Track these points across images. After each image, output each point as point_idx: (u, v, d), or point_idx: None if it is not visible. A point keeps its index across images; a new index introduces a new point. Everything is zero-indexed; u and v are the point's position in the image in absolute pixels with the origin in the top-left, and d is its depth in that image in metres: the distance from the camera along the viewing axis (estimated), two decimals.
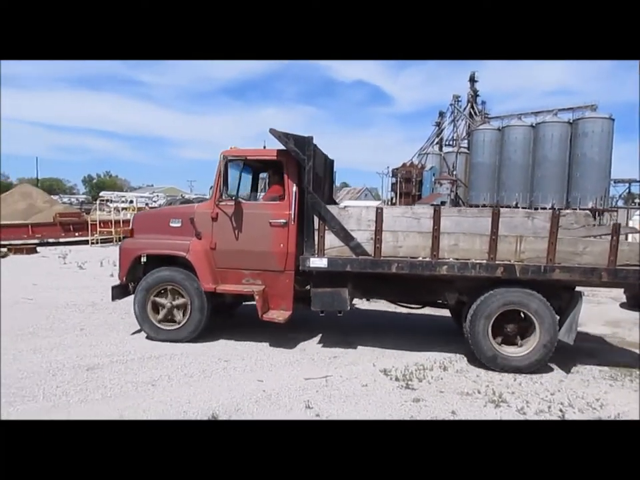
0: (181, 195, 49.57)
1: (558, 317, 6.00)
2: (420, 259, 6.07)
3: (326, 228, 6.22)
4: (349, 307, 6.50)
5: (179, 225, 6.75)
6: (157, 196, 48.90)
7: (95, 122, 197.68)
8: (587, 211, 6.46)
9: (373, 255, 6.12)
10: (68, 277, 11.60)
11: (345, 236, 6.19)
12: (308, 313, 6.49)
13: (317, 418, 4.28)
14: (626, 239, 6.42)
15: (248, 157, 6.75)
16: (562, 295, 6.16)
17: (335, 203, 7.64)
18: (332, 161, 7.97)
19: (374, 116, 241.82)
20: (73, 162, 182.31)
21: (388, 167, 52.14)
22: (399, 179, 48.07)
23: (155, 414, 4.30)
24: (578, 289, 6.24)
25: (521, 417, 4.43)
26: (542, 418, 4.41)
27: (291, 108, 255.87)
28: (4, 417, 3.99)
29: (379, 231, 6.10)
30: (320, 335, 6.96)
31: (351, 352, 6.36)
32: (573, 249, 5.83)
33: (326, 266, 6.19)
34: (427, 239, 6.04)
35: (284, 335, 6.86)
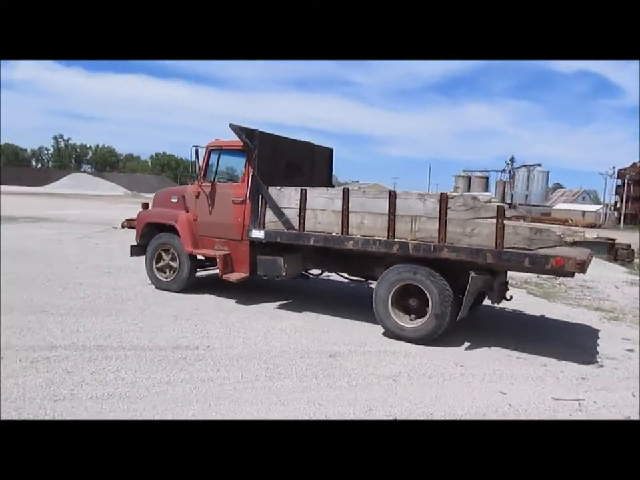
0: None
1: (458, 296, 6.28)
2: (333, 234, 6.87)
3: (266, 205, 7.38)
4: (283, 273, 7.46)
5: (176, 200, 8.58)
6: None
7: (307, 121, 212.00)
8: (475, 194, 6.66)
9: (297, 229, 7.12)
10: None
11: (278, 212, 7.32)
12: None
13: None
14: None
15: (224, 147, 8.18)
16: (462, 276, 6.29)
17: (332, 187, 8.50)
18: (330, 150, 9.51)
19: (597, 109, 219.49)
20: None
21: (614, 167, 46.43)
22: (626, 181, 42.44)
23: (401, 411, 4.33)
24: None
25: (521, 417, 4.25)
26: (542, 418, 4.26)
27: (499, 103, 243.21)
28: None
29: (302, 209, 7.08)
30: (564, 350, 6.38)
31: (602, 375, 5.70)
32: (462, 230, 6.11)
33: (263, 237, 7.41)
34: (339, 216, 6.82)
35: (522, 346, 6.44)
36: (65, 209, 29.26)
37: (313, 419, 4.11)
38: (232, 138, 7.75)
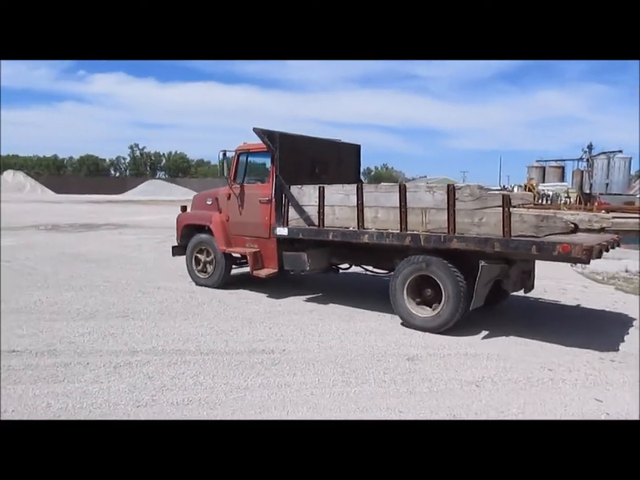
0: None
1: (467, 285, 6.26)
2: (350, 228, 7.12)
3: (289, 204, 7.72)
4: (308, 268, 7.75)
5: (210, 202, 9.11)
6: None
7: (374, 118, 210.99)
8: (481, 184, 6.71)
9: (317, 225, 7.42)
10: None
11: (299, 210, 7.65)
12: None
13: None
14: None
15: (251, 150, 8.57)
16: (472, 266, 6.24)
17: (360, 182, 8.45)
18: (357, 147, 9.69)
19: None
20: None
21: None
22: None
23: (487, 418, 4.10)
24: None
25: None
26: (541, 418, 4.08)
27: (574, 88, 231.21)
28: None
29: (321, 205, 7.37)
30: None
31: None
32: (470, 220, 6.18)
33: (287, 234, 7.78)
34: (354, 211, 7.06)
35: (616, 348, 5.99)
36: (142, 215, 30.49)
37: (314, 419, 3.99)
38: (259, 141, 8.02)
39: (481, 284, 6.17)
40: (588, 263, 6.16)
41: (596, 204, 31.83)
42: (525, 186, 39.93)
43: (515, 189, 38.90)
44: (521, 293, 7.39)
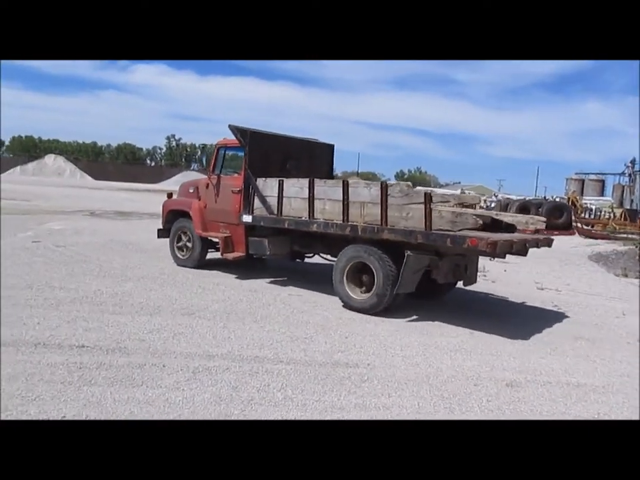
0: (494, 195, 47.41)
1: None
2: (303, 218, 7.88)
3: (255, 194, 8.57)
4: (268, 252, 8.56)
5: (192, 190, 9.99)
6: (469, 193, 47.96)
7: (409, 120, 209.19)
8: (409, 182, 7.53)
9: (276, 214, 8.23)
10: None
11: (263, 200, 8.49)
12: None
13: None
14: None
15: (228, 145, 9.41)
16: (402, 255, 6.76)
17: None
18: (331, 146, 10.44)
19: None
20: (388, 157, 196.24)
21: None
22: None
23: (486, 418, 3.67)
24: None
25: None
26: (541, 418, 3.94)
27: (617, 100, 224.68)
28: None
29: (280, 197, 8.16)
30: None
31: None
32: (399, 214, 6.90)
33: (251, 221, 8.62)
34: (306, 203, 7.81)
35: None
36: None
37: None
38: None
39: (408, 272, 6.79)
40: (494, 255, 7.14)
41: None
42: (569, 199, 38.81)
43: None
44: None
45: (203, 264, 9.69)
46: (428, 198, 6.66)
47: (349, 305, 7.36)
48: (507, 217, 7.56)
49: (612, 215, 36.01)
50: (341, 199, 7.41)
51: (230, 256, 9.15)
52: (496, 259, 12.23)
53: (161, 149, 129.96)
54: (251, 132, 8.74)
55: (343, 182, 7.56)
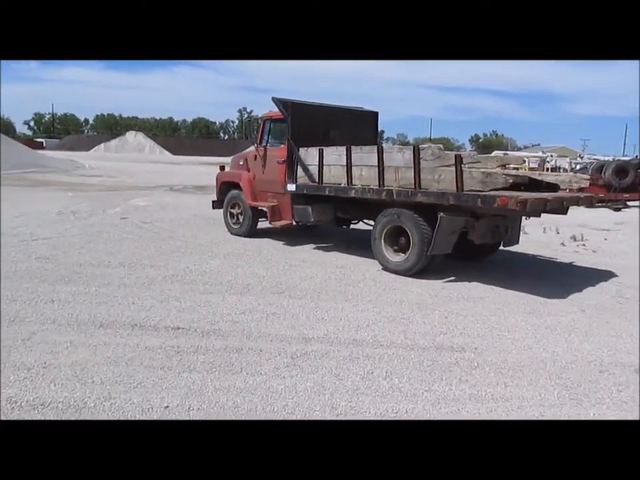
0: (579, 156, 44.04)
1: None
2: (342, 185, 8.11)
3: (297, 163, 8.84)
4: (312, 219, 8.86)
5: (242, 163, 10.31)
6: (551, 156, 45.14)
7: (484, 81, 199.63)
8: (441, 145, 7.73)
9: (317, 182, 8.47)
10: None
11: (305, 169, 8.75)
12: None
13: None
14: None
15: (273, 117, 9.57)
16: (434, 217, 6.87)
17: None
18: (374, 113, 10.43)
19: None
20: (462, 122, 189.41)
21: None
22: None
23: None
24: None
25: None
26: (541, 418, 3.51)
27: None
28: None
29: (320, 165, 8.38)
30: None
31: None
32: (431, 176, 7.02)
33: (295, 189, 8.92)
34: (345, 170, 8.03)
35: None
36: None
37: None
38: None
39: (442, 233, 6.86)
40: (525, 214, 7.16)
41: None
42: None
43: None
44: None
45: (254, 232, 10.10)
46: (459, 160, 6.72)
47: (386, 267, 7.57)
48: (550, 177, 7.89)
49: None
50: (377, 164, 7.56)
51: (278, 224, 9.48)
52: (598, 228, 11.53)
53: (233, 122, 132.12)
54: (292, 103, 9.07)
55: (378, 148, 7.70)
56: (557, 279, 7.56)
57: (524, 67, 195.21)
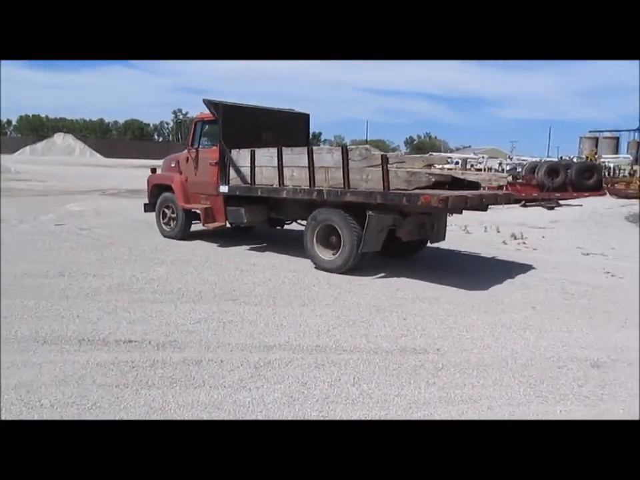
0: (508, 157, 45.82)
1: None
2: (273, 186, 8.20)
3: (230, 165, 8.88)
4: (245, 221, 8.97)
5: (174, 165, 10.29)
6: (482, 157, 47.04)
7: (417, 85, 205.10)
8: (367, 146, 7.98)
9: (250, 183, 8.56)
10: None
11: (237, 170, 8.81)
12: None
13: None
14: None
15: (205, 119, 9.64)
16: (363, 216, 7.06)
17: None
18: (306, 115, 10.61)
19: None
20: (397, 124, 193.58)
21: None
22: None
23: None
24: None
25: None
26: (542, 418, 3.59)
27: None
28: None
29: (252, 166, 8.48)
30: None
31: None
32: (360, 176, 7.20)
33: (227, 191, 8.99)
34: (276, 171, 8.10)
35: None
36: None
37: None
38: None
39: (371, 231, 7.07)
40: (447, 211, 7.66)
41: None
42: (587, 157, 37.85)
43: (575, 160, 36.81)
44: None
45: (187, 235, 10.05)
46: (385, 160, 6.94)
47: (319, 266, 7.69)
48: (471, 176, 8.36)
49: (632, 172, 34.99)
50: (307, 165, 7.69)
51: (211, 226, 9.56)
52: (535, 226, 12.01)
53: (168, 123, 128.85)
54: (223, 105, 9.09)
55: (308, 149, 7.82)
56: (505, 276, 7.74)
57: (453, 72, 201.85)
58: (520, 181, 20.78)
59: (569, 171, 19.98)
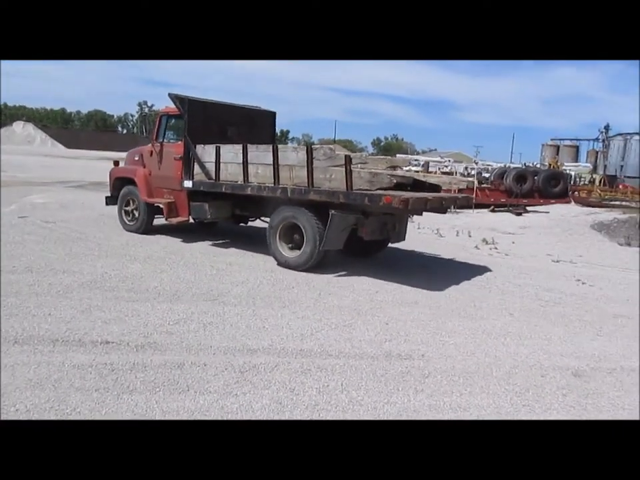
0: (474, 162, 46.54)
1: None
2: (238, 182, 8.23)
3: (194, 160, 8.88)
4: (209, 216, 8.97)
5: (137, 158, 10.13)
6: (449, 161, 47.80)
7: (383, 86, 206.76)
8: (331, 146, 8.46)
9: (214, 179, 8.55)
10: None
11: (202, 166, 8.80)
12: None
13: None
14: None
15: (170, 113, 9.53)
16: (326, 215, 7.16)
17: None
18: (272, 113, 10.60)
19: None
20: (365, 125, 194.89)
21: None
22: None
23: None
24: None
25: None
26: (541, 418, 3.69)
27: (592, 65, 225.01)
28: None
29: (217, 162, 8.48)
30: None
31: None
32: (324, 175, 7.24)
33: (191, 186, 8.97)
34: (241, 167, 8.15)
35: None
36: None
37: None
38: None
39: (334, 230, 7.18)
40: (408, 212, 7.81)
41: (620, 186, 30.84)
42: (550, 165, 38.83)
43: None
44: None
45: (150, 229, 9.91)
46: (348, 160, 7.06)
47: (282, 263, 7.73)
48: (432, 178, 8.65)
49: (592, 181, 36.04)
50: (272, 162, 7.74)
51: (174, 220, 9.50)
52: (505, 232, 12.21)
53: (132, 115, 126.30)
54: (189, 100, 9.01)
55: (273, 147, 7.86)
56: (480, 282, 7.81)
57: (420, 75, 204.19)
58: (488, 186, 21.09)
59: (536, 177, 20.40)
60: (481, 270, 8.74)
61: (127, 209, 10.11)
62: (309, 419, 3.47)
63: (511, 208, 18.18)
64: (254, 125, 10.01)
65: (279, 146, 8.05)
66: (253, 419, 3.35)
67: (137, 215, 9.92)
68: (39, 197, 14.76)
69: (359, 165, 7.43)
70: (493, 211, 18.07)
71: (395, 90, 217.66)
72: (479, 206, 18.96)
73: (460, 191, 8.02)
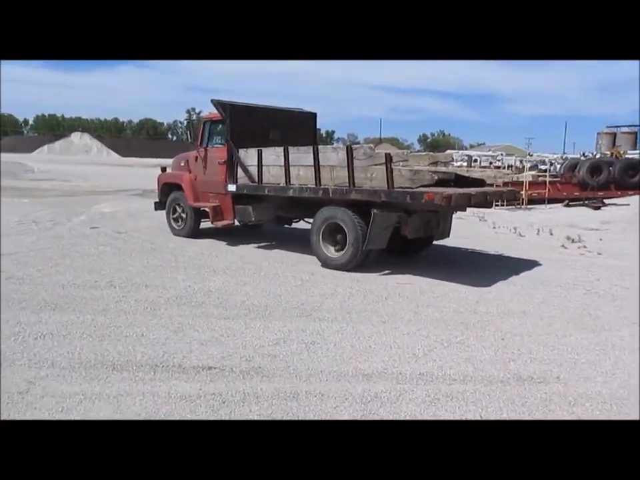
0: (528, 154, 44.80)
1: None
2: (280, 184, 8.27)
3: (237, 164, 8.96)
4: (253, 219, 9.12)
5: (183, 164, 10.41)
6: (501, 154, 46.22)
7: (428, 83, 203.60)
8: (371, 144, 9.13)
9: (257, 182, 8.65)
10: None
11: (244, 169, 8.88)
12: None
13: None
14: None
15: (213, 119, 9.78)
16: (368, 214, 7.10)
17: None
18: (313, 114, 10.65)
19: None
20: (410, 122, 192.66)
21: None
22: None
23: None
24: None
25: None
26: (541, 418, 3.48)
27: None
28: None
29: (260, 165, 8.56)
30: None
31: None
32: (364, 175, 7.26)
33: (235, 190, 9.05)
34: (282, 170, 8.19)
35: None
36: None
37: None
38: None
39: (376, 229, 7.09)
40: (451, 209, 7.61)
41: None
42: (611, 154, 36.91)
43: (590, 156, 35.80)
44: None
45: (197, 233, 10.09)
46: (388, 158, 6.96)
47: (325, 263, 7.72)
48: (476, 173, 8.34)
49: None
50: (313, 164, 7.70)
51: (219, 224, 9.62)
52: (587, 228, 11.45)
53: (181, 123, 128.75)
54: (230, 105, 9.22)
55: (314, 148, 7.81)
56: (585, 286, 7.12)
57: (464, 70, 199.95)
58: (558, 179, 20.00)
59: (611, 168, 19.20)
60: (577, 272, 8.04)
61: (175, 213, 10.35)
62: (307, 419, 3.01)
63: (587, 202, 17.13)
64: (295, 127, 10.02)
65: (319, 147, 8.01)
66: (253, 419, 3.27)
67: (184, 219, 10.12)
68: (106, 206, 14.88)
69: (400, 163, 7.39)
70: (567, 205, 17.09)
71: (439, 85, 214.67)
72: (552, 201, 18.00)
73: (506, 184, 7.71)
